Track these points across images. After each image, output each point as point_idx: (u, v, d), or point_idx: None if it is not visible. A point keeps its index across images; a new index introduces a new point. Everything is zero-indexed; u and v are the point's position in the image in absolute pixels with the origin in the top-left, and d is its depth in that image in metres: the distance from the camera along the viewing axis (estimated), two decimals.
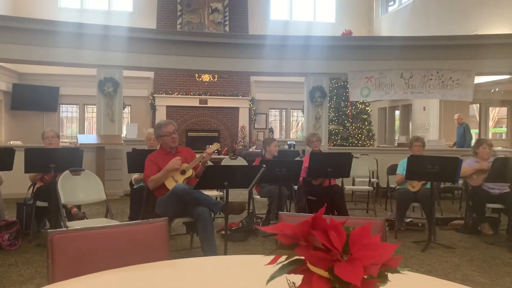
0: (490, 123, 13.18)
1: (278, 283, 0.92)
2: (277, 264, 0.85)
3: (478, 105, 12.21)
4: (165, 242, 1.70)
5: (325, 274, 0.78)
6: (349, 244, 0.82)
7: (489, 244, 4.69)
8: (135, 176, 4.88)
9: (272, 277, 0.81)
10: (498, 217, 5.26)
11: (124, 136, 8.64)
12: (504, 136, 12.98)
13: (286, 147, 9.82)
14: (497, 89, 10.57)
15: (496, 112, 13.49)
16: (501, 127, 13.51)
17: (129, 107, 12.92)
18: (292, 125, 15.01)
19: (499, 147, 9.97)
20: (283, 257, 0.86)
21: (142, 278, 1.36)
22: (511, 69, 8.15)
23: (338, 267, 0.77)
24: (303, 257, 0.81)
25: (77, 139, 7.45)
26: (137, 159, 4.60)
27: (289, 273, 0.82)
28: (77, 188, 3.71)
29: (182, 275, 1.41)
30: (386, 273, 0.82)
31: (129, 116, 13.10)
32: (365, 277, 0.79)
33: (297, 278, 0.82)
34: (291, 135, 14.64)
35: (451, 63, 7.97)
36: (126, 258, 1.53)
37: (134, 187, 4.90)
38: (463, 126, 10.50)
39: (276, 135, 14.24)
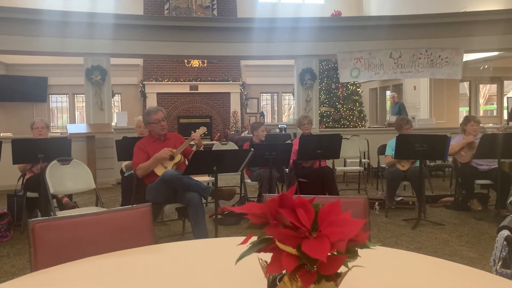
0: (481, 101, 13.24)
1: (252, 263, 0.93)
2: (249, 243, 0.85)
3: (468, 82, 12.24)
4: (150, 228, 1.70)
5: (293, 251, 0.79)
6: (318, 221, 0.83)
7: (478, 220, 4.76)
8: (126, 163, 4.87)
9: (241, 256, 0.82)
10: (487, 193, 5.33)
11: (115, 124, 8.59)
12: (495, 113, 13.06)
13: (278, 130, 9.84)
14: (486, 66, 10.58)
15: (487, 90, 13.55)
16: (492, 104, 13.58)
17: (119, 95, 12.83)
18: (284, 109, 14.98)
19: (490, 124, 10.05)
20: (255, 236, 0.87)
21: (126, 263, 1.37)
22: (500, 45, 8.15)
23: (305, 244, 0.77)
24: (272, 236, 0.81)
25: (66, 129, 7.41)
26: (127, 147, 4.59)
27: (259, 251, 0.82)
28: (66, 178, 3.70)
29: (165, 259, 1.42)
30: (355, 248, 0.83)
31: (120, 104, 13.02)
32: (334, 253, 0.80)
33: (270, 257, 0.83)
34: (283, 119, 14.63)
35: (440, 41, 7.95)
36: (110, 244, 1.53)
37: (125, 174, 4.89)
38: (398, 105, 10.77)
39: (268, 119, 14.22)
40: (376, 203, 5.31)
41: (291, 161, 5.17)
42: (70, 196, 4.61)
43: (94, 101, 7.57)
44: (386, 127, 9.74)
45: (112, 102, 8.55)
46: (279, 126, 10.15)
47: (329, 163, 5.64)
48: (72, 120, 12.99)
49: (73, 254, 1.39)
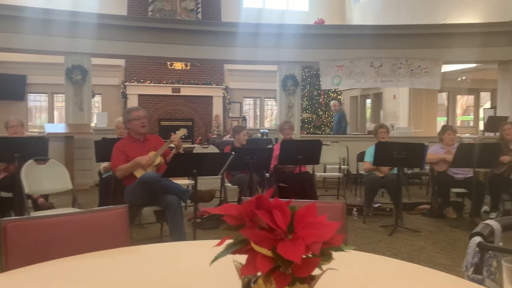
0: (458, 111, 13.53)
1: (227, 265, 0.93)
2: (225, 245, 0.85)
3: (446, 93, 12.50)
4: (125, 229, 1.68)
5: (268, 253, 0.79)
6: (294, 223, 0.83)
7: (453, 227, 4.85)
8: (104, 165, 4.81)
9: (216, 258, 0.82)
10: (462, 201, 5.44)
11: (94, 125, 8.48)
12: (471, 124, 13.35)
13: (259, 135, 9.85)
14: (464, 78, 10.84)
15: (464, 101, 13.85)
16: (469, 115, 13.88)
17: (100, 96, 12.66)
18: (267, 114, 15.03)
19: (466, 134, 10.27)
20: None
21: (100, 264, 1.35)
22: (477, 58, 8.36)
23: (281, 246, 0.78)
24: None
25: (44, 129, 7.28)
26: (105, 148, 4.53)
27: (234, 253, 0.82)
28: (42, 178, 3.63)
29: (140, 260, 1.41)
30: (330, 251, 0.84)
31: (100, 105, 12.84)
32: (309, 255, 0.80)
33: (245, 259, 0.83)
34: (265, 124, 14.66)
35: (420, 52, 8.11)
36: (84, 246, 1.50)
37: (103, 176, 4.83)
38: (339, 113, 10.72)
39: (251, 124, 14.24)
40: (354, 209, 5.36)
41: (271, 165, 5.19)
42: (46, 196, 4.52)
43: (74, 101, 7.47)
44: (365, 134, 9.86)
45: (92, 103, 8.44)
46: (261, 131, 10.17)
47: (309, 168, 5.68)
48: (51, 120, 12.75)
49: (46, 255, 1.36)
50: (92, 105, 8.40)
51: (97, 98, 12.57)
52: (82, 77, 7.43)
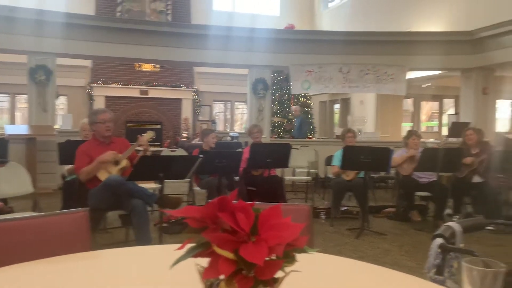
0: (423, 117, 13.92)
1: (189, 268, 0.90)
2: (187, 248, 0.83)
3: (411, 99, 12.84)
4: (86, 234, 1.63)
5: (231, 256, 0.77)
6: (258, 225, 0.82)
7: (417, 230, 4.96)
8: (68, 167, 4.67)
9: (176, 261, 0.80)
10: (426, 205, 5.58)
11: (59, 127, 8.24)
12: (436, 129, 13.76)
13: (229, 138, 9.82)
14: (428, 84, 11.16)
15: (429, 107, 14.26)
16: (433, 120, 14.30)
17: (65, 97, 12.32)
18: (237, 118, 15.01)
19: (431, 139, 10.56)
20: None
21: (59, 270, 1.29)
22: (441, 65, 8.64)
23: (243, 248, 0.76)
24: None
25: (4, 130, 7.01)
26: (69, 151, 4.39)
27: (196, 256, 0.80)
28: (0, 181, 3.48)
29: (100, 265, 1.36)
30: (293, 253, 0.83)
31: (65, 106, 12.50)
32: (273, 257, 0.79)
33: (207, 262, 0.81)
34: (235, 127, 14.64)
35: (386, 59, 8.31)
36: (43, 250, 1.44)
37: (67, 179, 4.69)
38: (300, 118, 10.88)
39: (221, 128, 14.19)
40: (322, 212, 5.41)
41: (241, 169, 5.17)
42: (5, 200, 4.34)
43: (37, 101, 7.23)
44: (334, 138, 9.99)
45: (57, 104, 8.21)
46: (231, 134, 10.14)
47: (278, 172, 5.69)
48: (13, 121, 12.31)
49: (3, 260, 1.30)
50: (57, 107, 8.16)
51: (62, 100, 12.25)
52: (46, 77, 7.21)
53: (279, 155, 5.24)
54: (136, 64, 12.50)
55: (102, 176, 3.56)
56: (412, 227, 5.09)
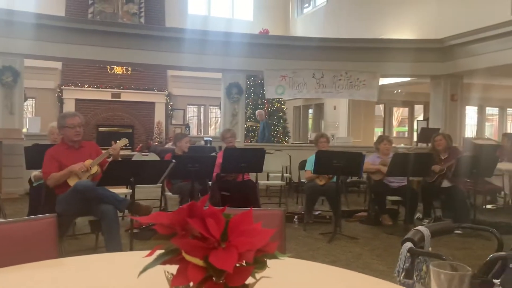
0: (394, 123, 14.22)
1: (160, 275, 0.88)
2: (156, 255, 0.81)
3: (383, 105, 13.09)
4: (53, 240, 1.58)
5: (200, 263, 0.76)
6: (228, 231, 0.81)
7: (388, 234, 5.04)
8: (35, 173, 4.53)
9: (144, 269, 0.78)
10: (397, 209, 5.68)
11: (26, 130, 8.00)
12: (406, 135, 14.07)
13: (203, 143, 9.76)
14: (399, 91, 11.42)
15: (399, 113, 14.58)
16: (404, 126, 14.62)
17: (33, 99, 11.99)
18: (211, 122, 14.95)
19: (401, 144, 10.79)
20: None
21: (25, 278, 1.25)
22: (411, 72, 8.84)
23: (213, 255, 0.75)
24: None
25: None
26: (37, 155, 4.27)
27: (165, 263, 0.78)
28: None
29: (66, 273, 1.32)
30: (264, 259, 0.82)
31: (33, 109, 12.16)
32: (243, 263, 0.78)
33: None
34: (209, 131, 14.57)
35: (359, 65, 8.44)
36: (8, 258, 1.39)
37: (34, 184, 4.54)
38: (263, 123, 11.12)
39: (194, 132, 14.09)
40: (296, 217, 5.43)
41: (214, 174, 5.14)
42: None
43: (4, 104, 7.01)
44: (307, 143, 10.08)
45: (25, 107, 7.98)
46: (205, 138, 10.09)
47: (252, 176, 5.69)
48: None
49: None
50: (25, 109, 7.93)
51: (31, 102, 11.92)
52: (13, 79, 7.00)
53: (253, 159, 5.23)
54: (108, 67, 12.29)
55: (71, 181, 3.47)
56: (383, 231, 5.17)
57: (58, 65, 11.82)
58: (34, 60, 8.19)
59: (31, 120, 8.16)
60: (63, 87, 12.00)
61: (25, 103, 7.82)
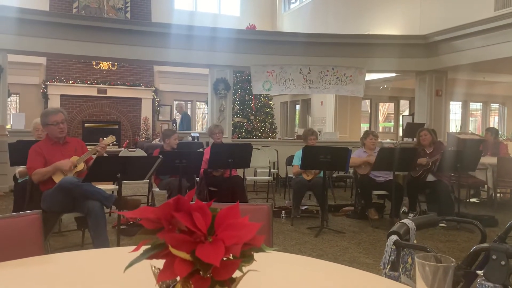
0: (380, 118, 14.33)
1: (147, 270, 0.88)
2: (142, 250, 0.81)
3: (369, 100, 13.19)
4: (38, 237, 1.56)
5: (187, 257, 0.76)
6: (215, 225, 0.81)
7: (375, 228, 5.10)
8: (20, 169, 4.47)
9: (130, 264, 0.77)
10: (383, 203, 5.74)
11: (10, 126, 7.88)
12: (392, 130, 14.19)
13: (190, 139, 9.72)
14: (385, 86, 11.50)
15: (385, 108, 14.70)
16: (390, 121, 14.75)
17: (17, 95, 11.80)
18: (198, 118, 14.89)
19: (387, 139, 10.89)
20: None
21: (10, 275, 1.23)
22: (397, 67, 8.92)
23: (200, 248, 0.75)
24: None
25: None
26: (21, 151, 4.21)
27: (151, 258, 0.78)
28: None
29: (53, 269, 1.31)
30: (251, 252, 0.82)
31: (18, 105, 11.97)
32: (230, 257, 0.78)
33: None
34: (196, 127, 14.52)
35: (345, 60, 8.48)
36: None
37: (19, 181, 4.48)
38: (182, 114, 11.60)
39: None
40: (283, 211, 5.46)
41: (202, 170, 5.13)
42: None
43: None
44: (295, 139, 10.11)
45: (9, 103, 7.85)
46: (192, 134, 10.04)
47: (240, 172, 5.69)
48: None
49: None
50: (8, 105, 7.80)
51: (14, 98, 11.73)
52: None
53: (241, 155, 5.23)
54: (94, 62, 12.15)
55: (57, 177, 3.43)
56: (369, 224, 5.22)
57: (42, 60, 11.65)
58: (17, 56, 8.05)
59: (15, 116, 8.03)
60: (48, 83, 11.83)
61: (9, 99, 7.68)
